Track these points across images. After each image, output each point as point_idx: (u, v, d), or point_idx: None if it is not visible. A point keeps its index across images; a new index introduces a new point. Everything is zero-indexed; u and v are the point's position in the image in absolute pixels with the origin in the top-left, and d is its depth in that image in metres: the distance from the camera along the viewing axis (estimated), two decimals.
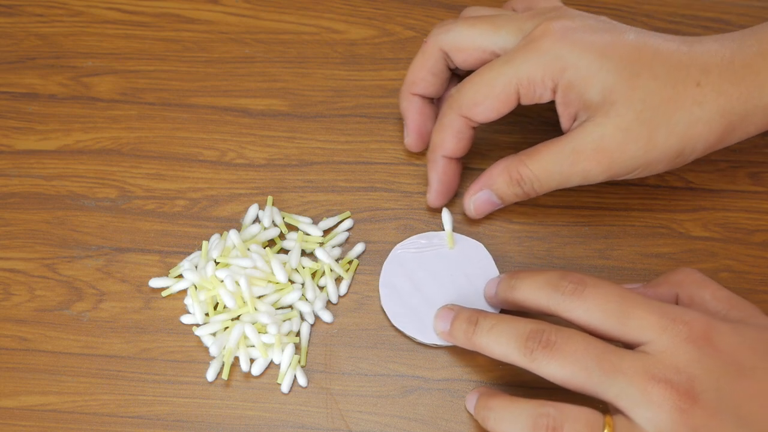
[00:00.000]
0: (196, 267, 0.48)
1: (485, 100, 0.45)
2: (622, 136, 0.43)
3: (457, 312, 0.44)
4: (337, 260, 0.49)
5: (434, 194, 0.48)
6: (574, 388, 0.39)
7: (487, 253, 0.48)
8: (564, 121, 0.45)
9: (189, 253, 0.49)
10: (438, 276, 0.48)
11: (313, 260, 0.49)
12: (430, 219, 0.50)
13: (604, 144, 0.43)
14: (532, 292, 0.42)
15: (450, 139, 0.46)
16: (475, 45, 0.46)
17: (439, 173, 0.48)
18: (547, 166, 0.45)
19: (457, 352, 0.47)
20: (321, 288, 0.48)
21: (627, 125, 0.43)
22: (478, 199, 0.47)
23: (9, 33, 0.54)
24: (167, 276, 0.49)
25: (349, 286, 0.49)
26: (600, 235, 0.50)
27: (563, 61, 0.43)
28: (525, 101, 0.45)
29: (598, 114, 0.43)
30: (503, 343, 0.41)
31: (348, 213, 0.50)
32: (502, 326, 0.41)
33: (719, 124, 0.43)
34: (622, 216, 0.50)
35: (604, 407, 0.40)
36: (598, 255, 0.49)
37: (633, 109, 0.43)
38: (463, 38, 0.47)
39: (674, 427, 0.37)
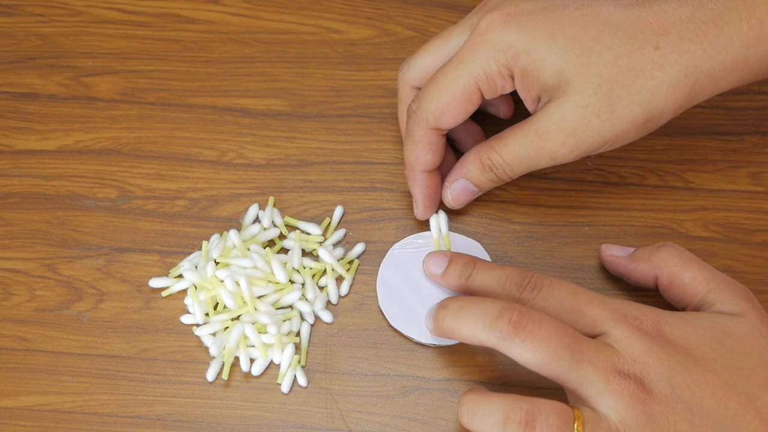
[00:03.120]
0: (196, 267, 0.48)
1: (449, 107, 0.44)
2: (584, 113, 0.42)
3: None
4: (338, 260, 0.49)
5: (421, 209, 0.48)
6: (542, 373, 0.40)
7: (484, 251, 0.48)
8: (528, 104, 0.45)
9: (189, 253, 0.49)
10: None
11: (314, 260, 0.49)
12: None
13: (567, 123, 0.43)
14: (491, 286, 0.43)
15: (424, 153, 0.46)
16: (436, 66, 0.46)
17: (421, 188, 0.47)
18: (514, 151, 0.44)
19: (457, 352, 0.47)
20: (321, 288, 0.48)
21: (586, 101, 0.42)
22: (454, 189, 0.48)
23: (9, 33, 0.54)
24: (167, 276, 0.49)
25: (350, 287, 0.49)
26: (600, 235, 0.50)
27: (514, 49, 0.42)
28: (488, 96, 0.44)
29: (558, 94, 0.43)
30: (471, 323, 0.41)
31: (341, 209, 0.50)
32: (470, 307, 0.41)
33: (685, 85, 0.42)
34: (622, 216, 0.50)
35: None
36: (598, 255, 0.49)
37: (590, 84, 0.42)
38: (422, 66, 0.46)
39: (634, 414, 0.38)
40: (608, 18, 0.42)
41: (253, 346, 0.47)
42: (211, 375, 0.46)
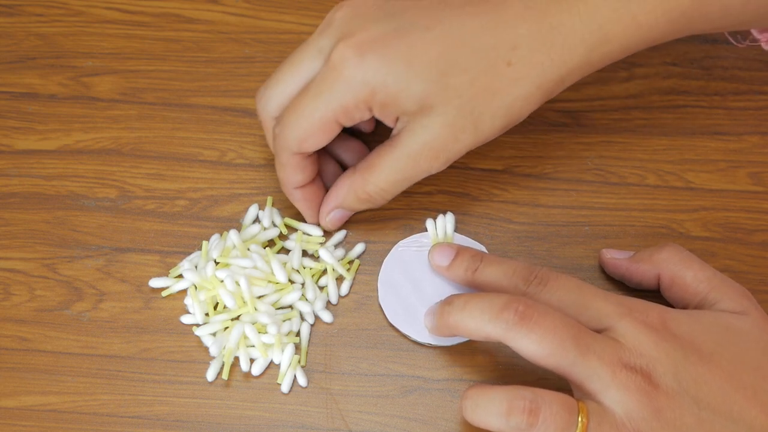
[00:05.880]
0: (196, 267, 0.48)
1: (309, 136, 0.44)
2: (451, 131, 0.44)
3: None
4: (338, 261, 0.49)
5: (309, 218, 0.49)
6: (547, 366, 0.40)
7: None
8: (388, 123, 0.45)
9: (189, 253, 0.49)
10: (437, 275, 0.48)
11: (314, 260, 0.49)
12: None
13: (437, 143, 0.44)
14: (498, 279, 0.44)
15: (293, 174, 0.46)
16: (291, 95, 0.45)
17: (300, 201, 0.48)
18: (389, 178, 0.45)
19: (457, 352, 0.47)
20: (321, 288, 0.48)
21: (451, 121, 0.43)
22: (332, 218, 0.48)
23: (9, 33, 0.54)
24: (167, 276, 0.49)
25: (350, 287, 0.49)
26: (600, 235, 0.50)
27: (370, 85, 0.42)
28: (348, 124, 0.44)
29: (420, 116, 0.43)
30: (477, 317, 0.41)
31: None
32: (475, 301, 0.41)
33: (537, 96, 0.44)
34: (622, 216, 0.50)
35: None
36: (599, 258, 0.49)
37: (452, 105, 0.43)
38: (278, 98, 0.46)
39: (640, 408, 0.38)
40: (462, 37, 0.43)
41: (253, 346, 0.47)
42: (211, 375, 0.46)
